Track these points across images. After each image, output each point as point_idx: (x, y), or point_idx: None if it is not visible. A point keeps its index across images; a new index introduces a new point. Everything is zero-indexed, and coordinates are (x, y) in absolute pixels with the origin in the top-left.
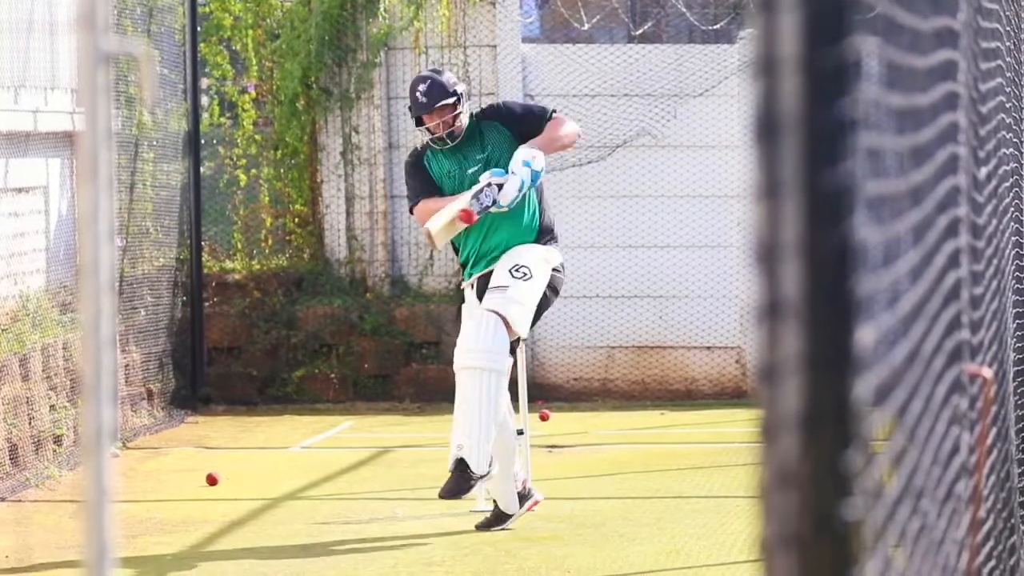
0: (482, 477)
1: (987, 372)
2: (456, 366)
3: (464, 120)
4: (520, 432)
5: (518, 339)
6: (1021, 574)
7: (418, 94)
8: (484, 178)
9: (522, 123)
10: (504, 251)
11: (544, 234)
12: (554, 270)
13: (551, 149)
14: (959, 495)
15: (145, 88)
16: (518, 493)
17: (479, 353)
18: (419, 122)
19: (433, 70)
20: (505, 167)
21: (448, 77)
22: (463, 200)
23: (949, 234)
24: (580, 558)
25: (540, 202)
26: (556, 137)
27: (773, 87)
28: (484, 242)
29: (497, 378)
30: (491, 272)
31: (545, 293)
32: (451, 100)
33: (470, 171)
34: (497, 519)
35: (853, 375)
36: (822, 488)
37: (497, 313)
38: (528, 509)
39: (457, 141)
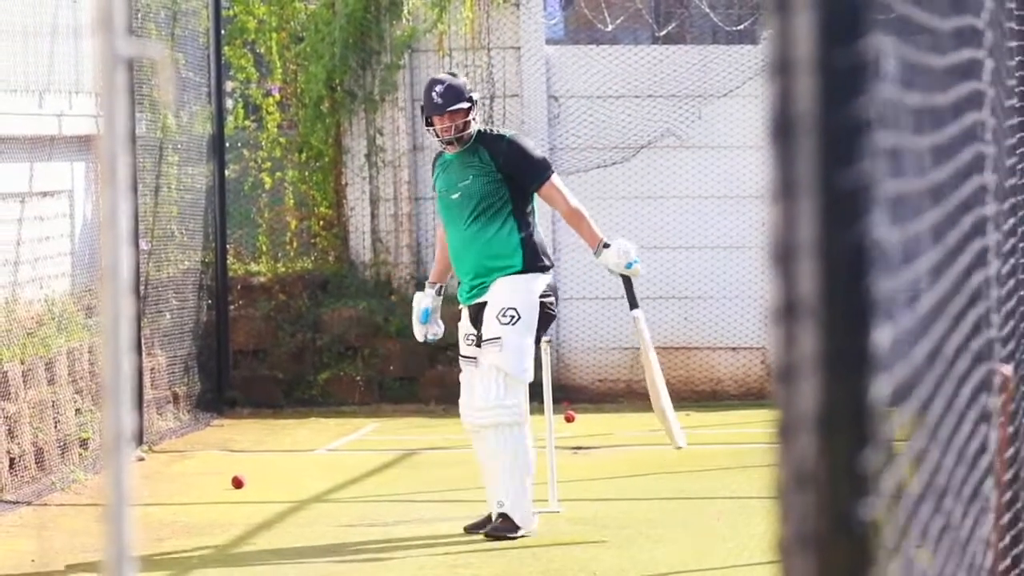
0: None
1: (1007, 369)
2: (469, 425)
3: (473, 129)
4: None
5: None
6: None
7: (434, 94)
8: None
9: (517, 170)
10: (476, 278)
11: (530, 258)
12: (543, 296)
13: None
14: (985, 495)
15: (164, 90)
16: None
17: (494, 410)
18: (428, 122)
19: (450, 73)
20: (476, 204)
21: (463, 82)
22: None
23: (976, 233)
24: (605, 560)
25: (520, 224)
26: (581, 216)
27: (788, 87)
28: (456, 268)
29: (520, 429)
30: (478, 306)
31: (541, 319)
32: (465, 105)
33: (453, 196)
34: (506, 528)
35: (870, 375)
36: (839, 488)
37: (499, 368)
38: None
39: (463, 147)
